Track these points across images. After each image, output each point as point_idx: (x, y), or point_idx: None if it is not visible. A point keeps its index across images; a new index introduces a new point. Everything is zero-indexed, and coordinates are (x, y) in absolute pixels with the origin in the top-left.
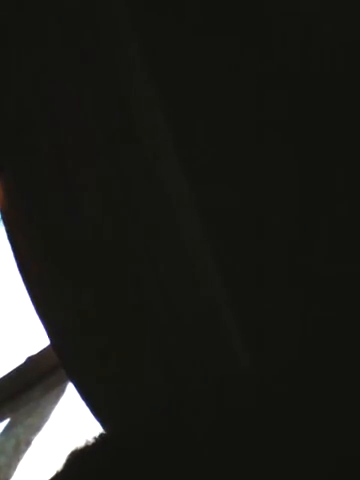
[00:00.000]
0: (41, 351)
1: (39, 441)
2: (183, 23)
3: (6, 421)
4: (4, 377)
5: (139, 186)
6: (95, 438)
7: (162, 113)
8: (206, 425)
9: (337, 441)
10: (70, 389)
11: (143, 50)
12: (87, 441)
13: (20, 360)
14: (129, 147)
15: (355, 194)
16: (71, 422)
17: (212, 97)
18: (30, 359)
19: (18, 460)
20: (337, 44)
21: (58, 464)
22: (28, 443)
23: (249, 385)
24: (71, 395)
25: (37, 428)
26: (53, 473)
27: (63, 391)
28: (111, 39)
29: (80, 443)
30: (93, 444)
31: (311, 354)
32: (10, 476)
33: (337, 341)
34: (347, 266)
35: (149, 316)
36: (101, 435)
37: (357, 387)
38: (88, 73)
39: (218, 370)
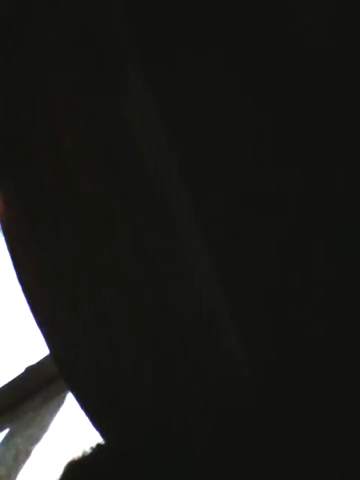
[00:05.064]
0: (40, 361)
1: (38, 451)
2: (180, 38)
3: (5, 431)
4: (3, 387)
5: (138, 196)
6: (93, 448)
7: (160, 121)
8: (205, 433)
9: (336, 442)
10: (69, 399)
11: (138, 58)
12: (85, 451)
13: (19, 370)
14: (129, 157)
15: (354, 201)
16: (71, 432)
17: (211, 106)
18: (29, 369)
19: (17, 471)
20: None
21: (57, 474)
22: (27, 453)
23: (247, 391)
24: (70, 405)
25: (36, 438)
26: None
27: (62, 401)
28: (109, 49)
29: (78, 453)
30: (91, 454)
31: (309, 358)
32: None
33: (335, 345)
34: (343, 272)
35: (149, 326)
36: (99, 445)
37: (353, 389)
38: (87, 83)
39: (217, 378)
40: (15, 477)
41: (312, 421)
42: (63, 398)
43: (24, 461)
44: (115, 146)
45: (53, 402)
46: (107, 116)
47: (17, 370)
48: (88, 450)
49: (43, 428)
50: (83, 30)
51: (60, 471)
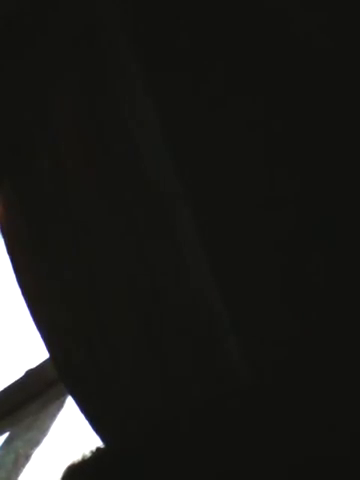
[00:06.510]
0: (40, 365)
1: (38, 455)
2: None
3: (5, 435)
4: (3, 391)
5: (137, 195)
6: (93, 452)
7: (159, 121)
8: (204, 433)
9: (336, 442)
10: (69, 403)
11: (138, 59)
12: (85, 455)
13: (19, 374)
14: (129, 157)
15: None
16: (70, 436)
17: (210, 106)
18: (29, 373)
19: (17, 474)
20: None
21: (57, 478)
22: (27, 457)
23: (247, 392)
24: (70, 409)
25: (36, 442)
26: None
27: (62, 405)
28: (109, 49)
29: (78, 457)
30: (91, 458)
31: (308, 359)
32: None
33: (333, 346)
34: (343, 273)
35: (148, 326)
36: (99, 449)
37: (351, 390)
38: (87, 83)
39: (217, 378)
40: None
41: (312, 421)
42: (63, 402)
43: (24, 465)
44: (115, 146)
45: (53, 406)
46: (107, 116)
47: (17, 374)
48: (88, 454)
49: (43, 432)
50: (83, 30)
51: (60, 475)
